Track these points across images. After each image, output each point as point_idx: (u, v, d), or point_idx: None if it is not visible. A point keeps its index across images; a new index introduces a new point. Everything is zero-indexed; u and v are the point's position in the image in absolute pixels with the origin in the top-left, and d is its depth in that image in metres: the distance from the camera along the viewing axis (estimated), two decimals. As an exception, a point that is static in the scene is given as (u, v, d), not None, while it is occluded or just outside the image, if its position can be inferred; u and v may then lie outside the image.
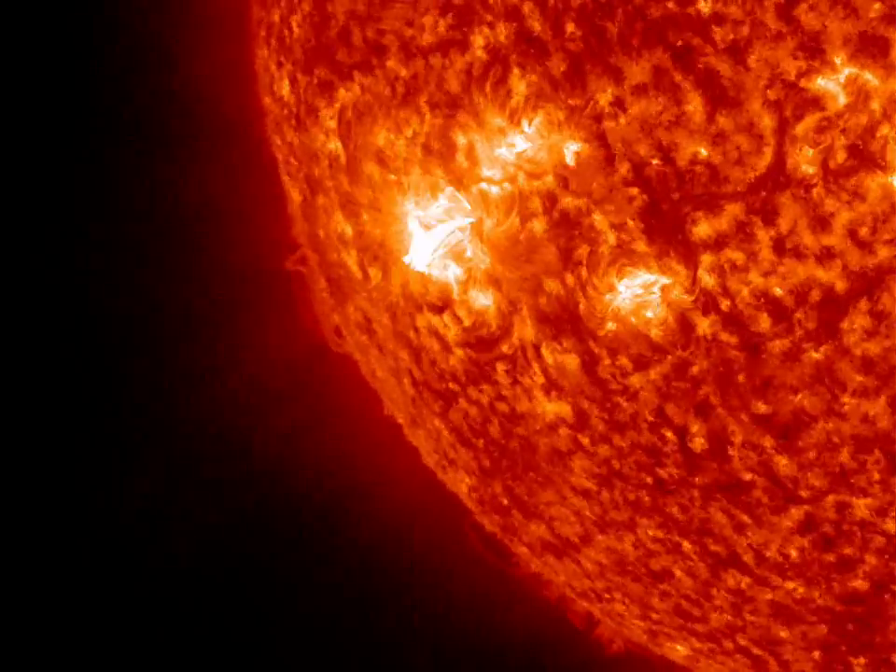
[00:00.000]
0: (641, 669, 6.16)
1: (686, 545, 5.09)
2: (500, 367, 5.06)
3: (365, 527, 6.75)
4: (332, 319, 6.07)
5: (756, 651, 5.34)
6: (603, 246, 4.66)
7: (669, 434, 4.84)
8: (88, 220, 6.70)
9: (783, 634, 5.21)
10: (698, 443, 4.81)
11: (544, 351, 4.92)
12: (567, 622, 6.26)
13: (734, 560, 5.03)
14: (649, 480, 4.98)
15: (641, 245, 4.62)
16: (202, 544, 6.80)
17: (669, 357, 4.72)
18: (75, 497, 6.83)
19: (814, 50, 4.36)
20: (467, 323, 5.07)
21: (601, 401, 4.90)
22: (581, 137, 4.61)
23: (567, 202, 4.68)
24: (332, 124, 5.24)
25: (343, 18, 5.10)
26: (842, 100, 4.37)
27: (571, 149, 4.64)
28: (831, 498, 4.79)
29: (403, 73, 4.92)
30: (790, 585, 5.03)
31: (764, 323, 4.58)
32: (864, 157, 4.39)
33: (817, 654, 5.23)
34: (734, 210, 4.50)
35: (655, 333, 4.71)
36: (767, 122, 4.42)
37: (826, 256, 4.47)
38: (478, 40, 4.72)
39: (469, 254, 4.96)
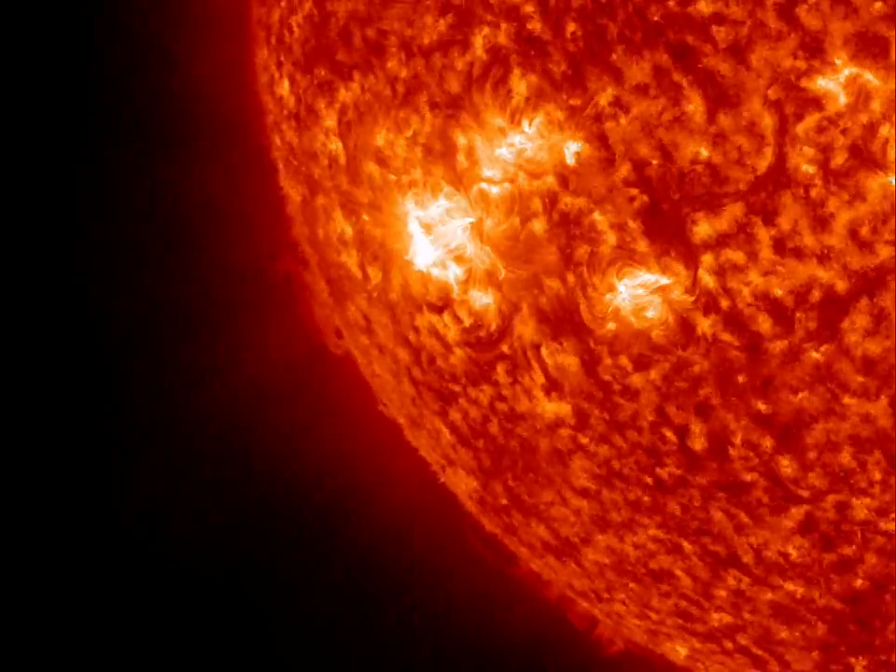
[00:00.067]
0: (641, 669, 6.16)
1: (686, 545, 5.09)
2: (500, 367, 5.06)
3: (365, 527, 6.74)
4: (332, 319, 6.07)
5: (756, 650, 5.34)
6: (603, 246, 4.67)
7: (669, 434, 4.84)
8: (88, 220, 6.69)
9: (783, 634, 5.21)
10: (698, 443, 4.81)
11: (544, 351, 4.92)
12: (567, 622, 6.26)
13: (734, 560, 5.03)
14: (649, 480, 4.98)
15: (642, 246, 4.62)
16: (202, 544, 6.80)
17: (670, 357, 4.72)
18: (75, 496, 6.83)
19: (814, 50, 4.36)
20: (467, 323, 5.07)
21: (601, 401, 4.90)
22: (582, 137, 4.61)
23: (568, 202, 4.68)
24: (332, 124, 5.24)
25: (343, 18, 5.10)
26: (842, 100, 4.38)
27: (572, 149, 4.64)
28: (831, 498, 4.79)
29: (403, 73, 4.92)
30: (790, 585, 5.03)
31: (765, 323, 4.58)
32: (865, 157, 4.39)
33: (816, 654, 5.23)
34: (734, 210, 4.50)
35: (656, 333, 4.71)
36: (768, 122, 4.42)
37: (826, 256, 4.48)
38: (478, 40, 4.73)
39: (469, 254, 4.96)
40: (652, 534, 5.13)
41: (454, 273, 5.02)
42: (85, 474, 6.83)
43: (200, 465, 6.80)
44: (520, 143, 4.72)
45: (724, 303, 4.59)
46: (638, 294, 4.69)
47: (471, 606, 6.74)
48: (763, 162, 4.45)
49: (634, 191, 4.58)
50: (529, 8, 4.63)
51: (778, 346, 4.60)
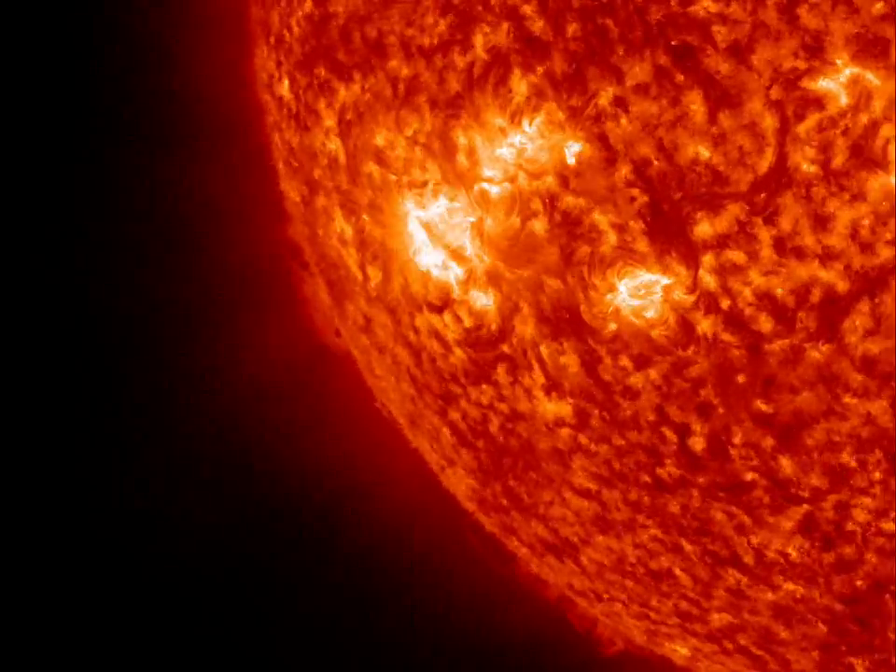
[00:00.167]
0: (641, 669, 6.16)
1: (686, 545, 5.09)
2: (500, 367, 5.06)
3: (365, 527, 6.74)
4: (332, 319, 6.07)
5: (756, 651, 5.34)
6: (604, 246, 4.67)
7: (670, 434, 4.84)
8: (88, 220, 6.69)
9: (783, 634, 5.21)
10: (698, 443, 4.81)
11: (544, 351, 4.91)
12: (567, 622, 6.26)
13: (734, 560, 5.03)
14: (649, 480, 4.98)
15: (642, 245, 4.62)
16: (202, 544, 6.80)
17: (670, 357, 4.72)
18: (75, 496, 6.83)
19: (815, 50, 4.36)
20: (467, 323, 5.07)
21: (602, 401, 4.90)
22: (582, 137, 4.61)
23: (568, 202, 4.68)
24: (332, 124, 5.24)
25: (343, 18, 5.10)
26: (843, 100, 4.38)
27: (572, 149, 4.64)
28: (831, 498, 4.79)
29: (404, 73, 4.92)
30: (790, 585, 5.03)
31: (765, 323, 4.58)
32: (866, 157, 4.39)
33: (817, 654, 5.23)
34: (735, 210, 4.50)
35: (656, 333, 4.71)
36: (769, 122, 4.42)
37: (827, 256, 4.48)
38: (479, 40, 4.73)
39: (469, 254, 4.96)
40: (652, 534, 5.13)
41: (454, 272, 5.02)
42: (85, 474, 6.83)
43: (200, 465, 6.80)
44: (520, 143, 4.72)
45: (725, 303, 4.59)
46: (639, 294, 4.69)
47: (471, 606, 6.74)
48: (764, 162, 4.45)
49: (634, 191, 4.58)
50: (529, 8, 4.63)
51: (779, 346, 4.60)
